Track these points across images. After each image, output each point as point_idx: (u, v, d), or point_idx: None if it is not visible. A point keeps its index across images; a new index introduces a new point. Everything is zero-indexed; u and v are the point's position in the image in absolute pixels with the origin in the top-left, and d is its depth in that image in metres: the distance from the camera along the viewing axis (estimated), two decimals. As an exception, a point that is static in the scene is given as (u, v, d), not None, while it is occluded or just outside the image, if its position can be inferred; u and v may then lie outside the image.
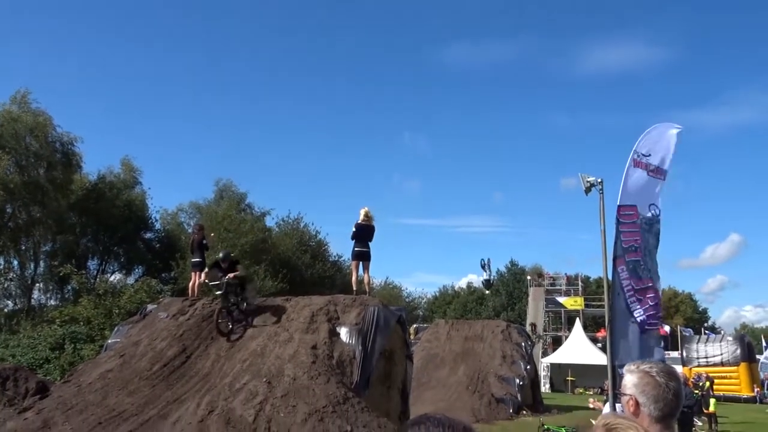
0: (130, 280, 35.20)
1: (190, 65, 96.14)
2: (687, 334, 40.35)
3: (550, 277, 50.35)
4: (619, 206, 7.91)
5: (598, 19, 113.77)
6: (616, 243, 7.86)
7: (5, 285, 34.27)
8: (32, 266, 35.22)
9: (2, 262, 33.99)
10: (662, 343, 8.68)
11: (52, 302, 33.94)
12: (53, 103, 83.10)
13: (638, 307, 7.83)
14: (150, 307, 14.00)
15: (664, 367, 2.39)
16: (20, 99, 31.64)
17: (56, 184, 31.66)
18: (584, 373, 37.74)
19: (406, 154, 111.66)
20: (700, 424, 19.83)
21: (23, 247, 33.74)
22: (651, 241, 8.10)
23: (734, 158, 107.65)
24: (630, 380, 2.36)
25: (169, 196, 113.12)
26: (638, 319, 7.80)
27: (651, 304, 7.96)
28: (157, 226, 40.64)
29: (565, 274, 51.26)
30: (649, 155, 8.10)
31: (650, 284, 8.05)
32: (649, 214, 8.07)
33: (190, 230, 34.97)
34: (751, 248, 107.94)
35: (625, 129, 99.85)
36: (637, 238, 7.96)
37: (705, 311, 77.52)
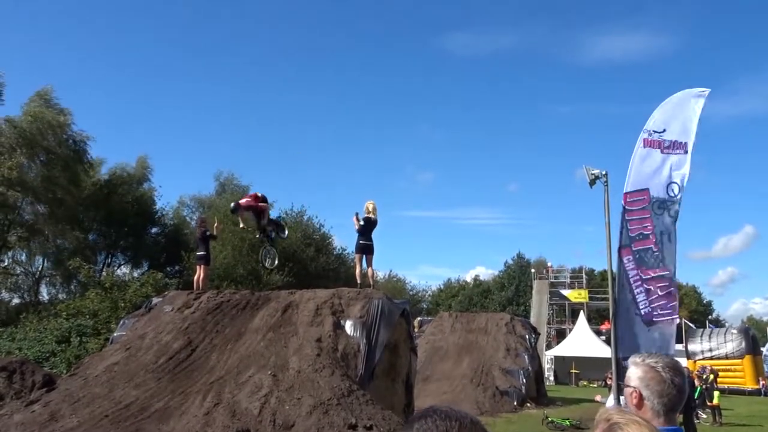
0: (136, 273, 35.39)
1: (199, 58, 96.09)
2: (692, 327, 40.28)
3: (554, 270, 50.30)
4: (625, 193, 7.63)
5: (604, 8, 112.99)
6: (621, 232, 7.62)
7: (13, 279, 34.49)
8: (41, 260, 35.48)
9: (11, 256, 34.34)
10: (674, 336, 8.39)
11: (61, 296, 34.15)
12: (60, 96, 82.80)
13: (644, 298, 7.59)
14: (155, 300, 14.05)
15: (669, 362, 2.37)
16: (43, 96, 31.89)
17: (70, 181, 31.95)
18: (588, 366, 37.76)
19: (418, 146, 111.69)
20: (704, 416, 19.83)
21: (34, 242, 33.97)
22: (667, 225, 7.68)
23: (753, 148, 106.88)
24: (635, 373, 2.35)
25: (171, 188, 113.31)
26: (642, 312, 7.60)
27: (660, 294, 7.65)
28: (164, 220, 40.76)
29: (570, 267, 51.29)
30: (664, 131, 7.67)
31: (663, 273, 7.65)
32: (664, 196, 7.70)
33: (193, 224, 35.23)
34: (764, 240, 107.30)
35: (634, 119, 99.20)
36: (647, 224, 7.63)
37: (709, 304, 77.31)
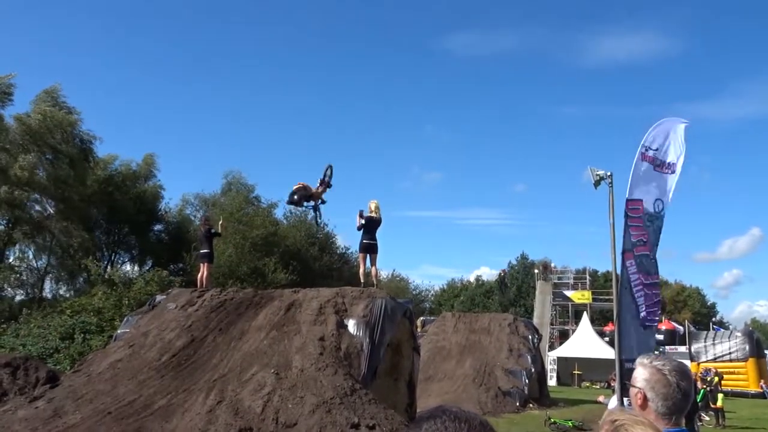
0: (141, 271, 35.51)
1: (203, 58, 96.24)
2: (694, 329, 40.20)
3: (558, 271, 50.16)
4: (627, 200, 7.85)
5: (606, 9, 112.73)
6: (624, 237, 7.80)
7: (18, 275, 34.64)
8: (46, 257, 35.62)
9: (17, 253, 34.60)
10: (660, 339, 8.80)
11: (69, 294, 34.27)
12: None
13: (643, 302, 7.79)
14: (159, 297, 14.08)
15: (677, 365, 2.38)
16: (51, 94, 32.02)
17: (76, 180, 32.12)
18: (591, 367, 37.66)
19: (423, 147, 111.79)
20: (707, 419, 19.78)
21: (39, 239, 34.13)
22: (652, 237, 8.05)
23: (758, 150, 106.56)
24: (641, 374, 2.36)
25: (174, 187, 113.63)
26: (640, 315, 7.78)
27: (655, 300, 7.94)
28: (168, 218, 40.85)
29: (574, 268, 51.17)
30: (657, 149, 8.00)
31: (656, 280, 8.04)
32: (653, 210, 7.99)
33: (196, 222, 35.33)
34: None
35: (639, 121, 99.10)
36: (644, 231, 7.91)
37: (713, 306, 77.07)
